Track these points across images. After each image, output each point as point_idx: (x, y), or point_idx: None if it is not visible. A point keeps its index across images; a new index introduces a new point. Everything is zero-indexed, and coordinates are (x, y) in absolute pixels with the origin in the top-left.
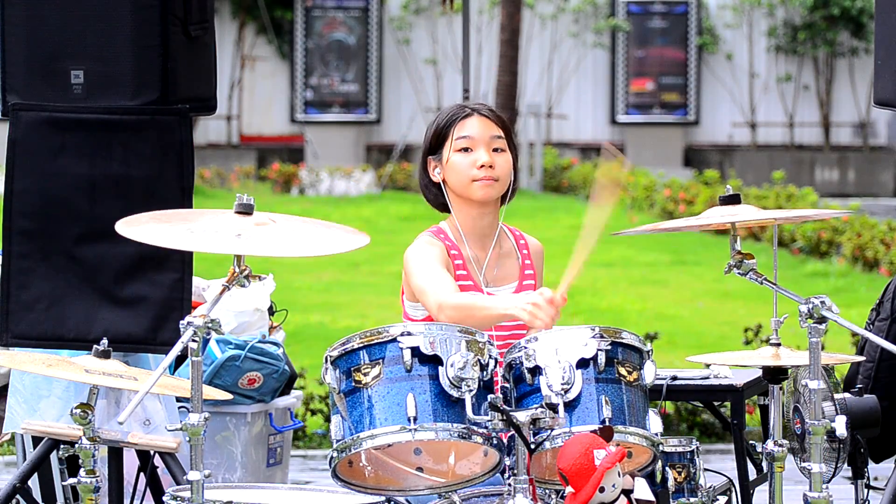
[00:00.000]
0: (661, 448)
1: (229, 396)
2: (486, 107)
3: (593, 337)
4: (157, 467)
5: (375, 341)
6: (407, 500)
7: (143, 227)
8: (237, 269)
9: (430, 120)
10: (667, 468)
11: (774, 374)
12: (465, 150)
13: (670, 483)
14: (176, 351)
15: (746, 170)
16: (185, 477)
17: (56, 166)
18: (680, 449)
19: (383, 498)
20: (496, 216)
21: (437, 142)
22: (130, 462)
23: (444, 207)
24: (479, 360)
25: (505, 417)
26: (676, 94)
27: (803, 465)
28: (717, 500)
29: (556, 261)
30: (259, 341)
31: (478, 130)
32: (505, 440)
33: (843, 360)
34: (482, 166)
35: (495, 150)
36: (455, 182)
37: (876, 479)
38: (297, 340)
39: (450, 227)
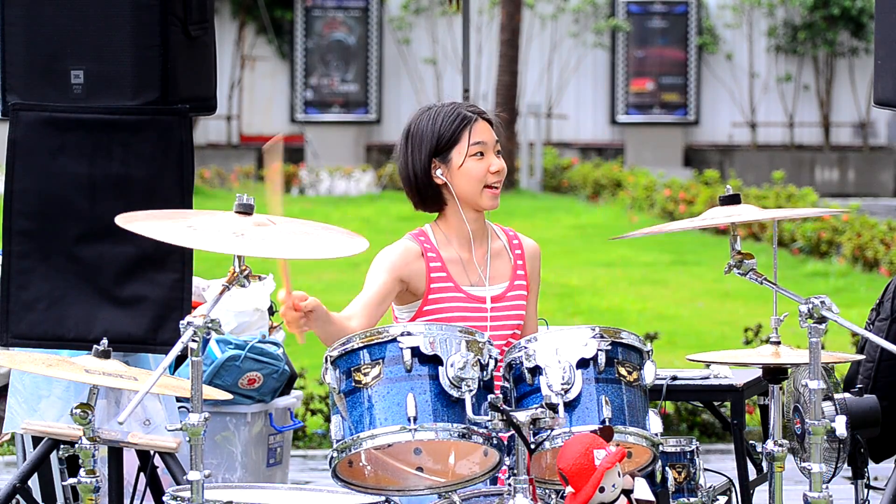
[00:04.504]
0: (661, 448)
1: (229, 396)
2: (483, 110)
3: (593, 337)
4: (157, 467)
5: (375, 341)
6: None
7: (143, 224)
8: (237, 270)
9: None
10: (667, 468)
11: (774, 374)
12: (479, 154)
13: (670, 483)
14: (176, 351)
15: (746, 170)
16: (185, 477)
17: (56, 166)
18: (680, 449)
19: (383, 498)
20: (483, 219)
21: (445, 145)
22: (130, 462)
23: (432, 209)
24: (479, 360)
25: (505, 417)
26: (676, 94)
27: (803, 465)
28: (717, 500)
29: (556, 260)
30: (259, 341)
31: (487, 136)
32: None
33: (843, 360)
34: (496, 172)
35: (497, 153)
36: (466, 187)
37: (876, 479)
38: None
39: (434, 231)
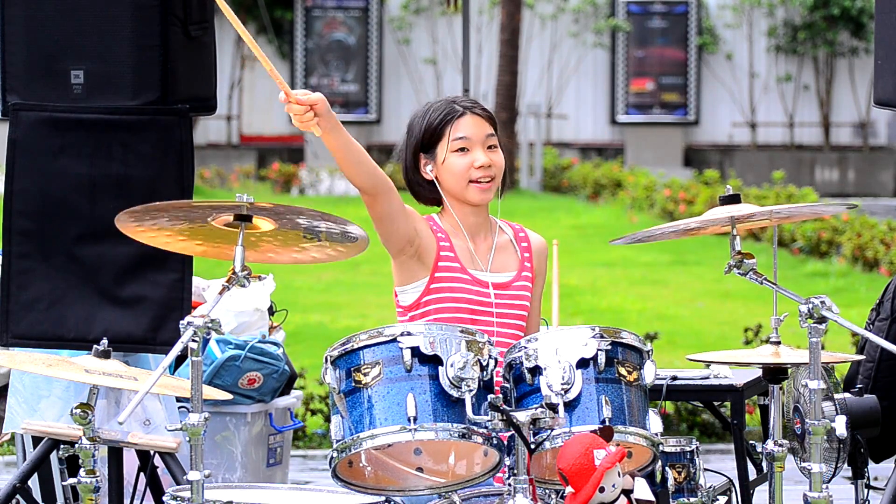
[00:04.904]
0: (661, 448)
1: (229, 396)
2: (475, 102)
3: (593, 337)
4: (157, 467)
5: (375, 341)
6: (403, 502)
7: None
8: (237, 269)
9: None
10: (667, 468)
11: (774, 374)
12: (462, 150)
13: (670, 483)
14: (176, 351)
15: (746, 170)
16: (185, 477)
17: (56, 166)
18: (680, 449)
19: (383, 498)
20: (488, 211)
21: (430, 140)
22: (130, 462)
23: (434, 203)
24: (479, 360)
25: (505, 417)
26: (676, 94)
27: (803, 465)
28: (717, 500)
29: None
30: (259, 341)
31: (473, 130)
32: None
33: (843, 360)
34: (480, 167)
35: (490, 147)
36: (451, 183)
37: (876, 479)
38: (297, 340)
39: (441, 220)
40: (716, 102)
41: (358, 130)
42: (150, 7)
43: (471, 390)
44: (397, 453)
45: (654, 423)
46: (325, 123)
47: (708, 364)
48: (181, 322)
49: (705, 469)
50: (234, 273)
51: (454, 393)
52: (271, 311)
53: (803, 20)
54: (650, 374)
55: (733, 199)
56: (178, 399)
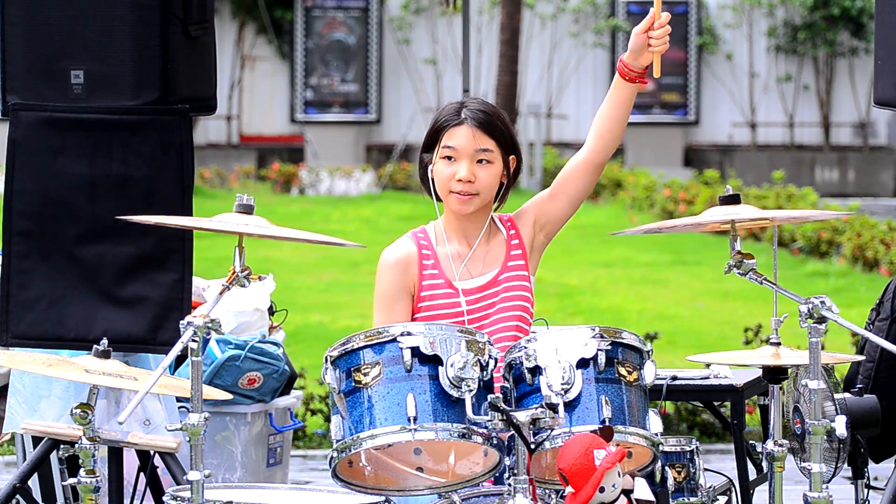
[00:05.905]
0: (661, 448)
1: (229, 396)
2: (481, 113)
3: (593, 337)
4: (157, 467)
5: (375, 341)
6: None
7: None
8: (237, 270)
9: (430, 119)
10: (667, 468)
11: (774, 374)
12: (449, 158)
13: (670, 483)
14: (176, 351)
15: (746, 170)
16: (185, 477)
17: (56, 166)
18: (680, 449)
19: (383, 498)
20: (484, 216)
21: (430, 140)
22: (130, 462)
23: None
24: (479, 360)
25: (505, 417)
26: (676, 94)
27: (803, 465)
28: (717, 500)
29: (555, 260)
30: (259, 341)
31: (463, 142)
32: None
33: (843, 360)
34: (460, 180)
35: (480, 161)
36: (438, 186)
37: (876, 479)
38: (297, 340)
39: (436, 227)
40: (716, 102)
41: (358, 130)
42: (150, 7)
43: (471, 390)
44: (397, 453)
45: (654, 423)
46: None
47: (708, 364)
48: (181, 322)
49: (705, 469)
50: (234, 273)
51: (454, 393)
52: (271, 311)
53: (803, 20)
54: (650, 374)
55: (733, 200)
56: (178, 399)
